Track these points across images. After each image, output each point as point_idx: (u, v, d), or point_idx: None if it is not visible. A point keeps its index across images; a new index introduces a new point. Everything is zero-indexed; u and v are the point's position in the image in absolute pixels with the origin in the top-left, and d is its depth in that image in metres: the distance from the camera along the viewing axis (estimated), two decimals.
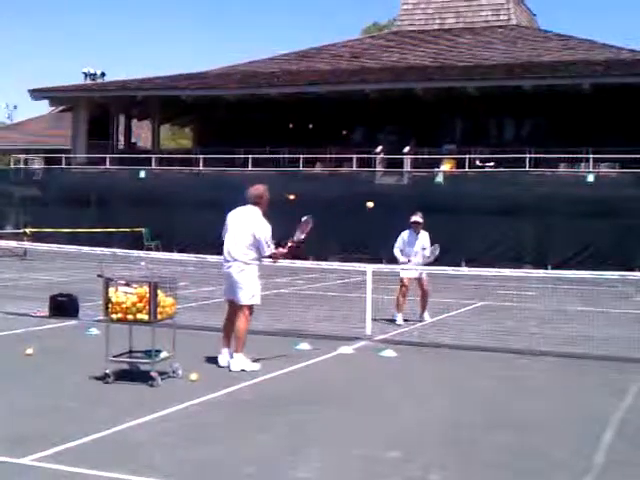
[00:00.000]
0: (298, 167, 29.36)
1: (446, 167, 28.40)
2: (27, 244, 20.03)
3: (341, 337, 10.54)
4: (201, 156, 31.05)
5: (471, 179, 27.23)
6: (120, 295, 7.70)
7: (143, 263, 17.97)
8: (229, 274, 8.58)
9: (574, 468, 5.45)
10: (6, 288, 15.90)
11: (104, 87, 37.41)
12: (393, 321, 12.25)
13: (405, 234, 12.66)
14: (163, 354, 7.82)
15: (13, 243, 20.17)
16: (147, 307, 7.60)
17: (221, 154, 29.95)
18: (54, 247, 15.99)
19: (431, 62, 33.03)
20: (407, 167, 28.96)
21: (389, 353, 9.53)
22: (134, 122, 39.39)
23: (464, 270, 16.75)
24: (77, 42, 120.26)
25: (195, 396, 7.10)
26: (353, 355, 9.59)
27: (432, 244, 12.62)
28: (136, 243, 25.82)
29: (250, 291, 8.50)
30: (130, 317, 7.67)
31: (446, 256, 12.93)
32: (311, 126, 33.31)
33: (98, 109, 35.36)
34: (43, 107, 46.39)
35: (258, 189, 8.78)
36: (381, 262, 17.62)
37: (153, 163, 32.25)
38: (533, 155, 26.92)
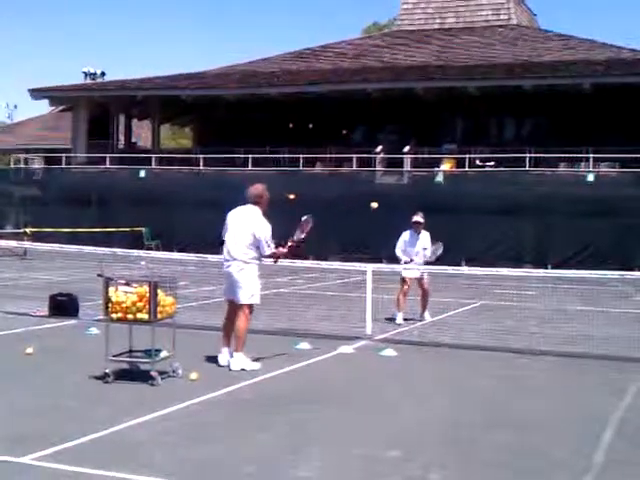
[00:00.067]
0: (298, 167, 29.36)
1: (446, 167, 28.41)
2: (27, 244, 20.03)
3: (341, 336, 10.54)
4: (201, 156, 31.07)
5: (471, 179, 27.25)
6: (120, 294, 7.69)
7: (143, 262, 17.97)
8: (229, 273, 8.58)
9: (574, 467, 5.45)
10: (6, 287, 15.91)
11: (104, 87, 37.43)
12: (393, 320, 12.25)
13: (406, 234, 12.65)
14: (163, 353, 7.82)
15: (13, 243, 20.20)
16: (147, 306, 7.60)
17: (221, 154, 29.95)
18: (54, 247, 15.99)
19: (431, 62, 33.03)
20: (407, 167, 28.97)
21: (389, 352, 9.53)
22: (134, 122, 39.40)
23: (464, 269, 16.75)
24: (77, 42, 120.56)
25: (195, 395, 7.10)
26: (353, 354, 9.59)
27: (433, 243, 12.63)
28: (136, 242, 25.84)
29: (250, 290, 8.50)
30: (130, 316, 7.67)
31: (446, 255, 12.91)
32: (311, 126, 33.31)
33: (98, 109, 35.37)
34: (43, 107, 46.47)
35: (257, 188, 8.78)
36: (381, 262, 17.62)
37: (153, 163, 32.26)
38: (533, 155, 26.94)
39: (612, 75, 27.83)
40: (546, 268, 20.58)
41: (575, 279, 14.44)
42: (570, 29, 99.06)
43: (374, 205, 16.37)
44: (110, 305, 7.72)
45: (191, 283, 15.74)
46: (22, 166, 35.54)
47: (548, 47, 33.69)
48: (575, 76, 28.04)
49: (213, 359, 8.62)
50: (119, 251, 14.47)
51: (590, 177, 25.90)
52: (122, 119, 37.49)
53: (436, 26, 37.45)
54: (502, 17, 36.80)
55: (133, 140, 39.56)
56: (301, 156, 29.35)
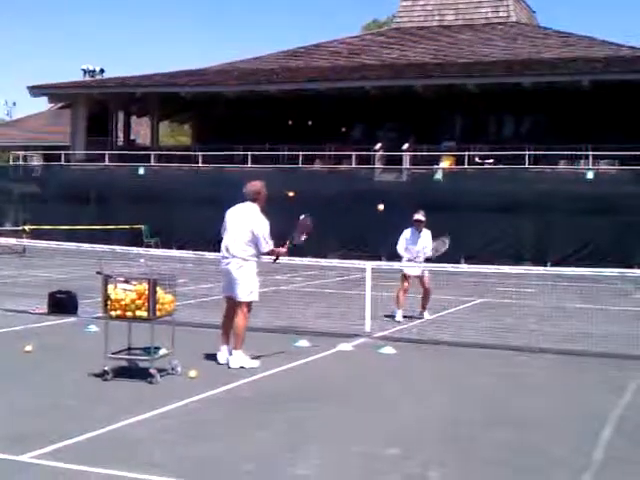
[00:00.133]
0: (297, 164, 29.33)
1: (445, 164, 28.37)
2: (26, 241, 20.01)
3: (340, 334, 10.54)
4: (200, 153, 31.03)
5: (470, 176, 27.22)
6: (119, 292, 7.69)
7: (142, 260, 17.97)
8: (228, 271, 8.57)
9: (573, 465, 5.46)
10: (5, 285, 15.90)
11: (103, 84, 37.36)
12: (392, 317, 12.25)
13: (407, 232, 12.64)
14: (162, 351, 7.82)
15: (12, 240, 20.16)
16: (146, 304, 7.60)
17: (220, 151, 29.90)
18: (53, 244, 15.97)
19: (431, 59, 32.99)
20: (406, 164, 28.93)
21: (388, 350, 9.53)
22: (133, 119, 39.34)
23: (463, 267, 16.74)
24: (76, 41, 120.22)
25: (194, 393, 7.10)
26: (352, 352, 9.59)
27: (439, 237, 12.63)
28: (135, 240, 25.78)
29: (248, 288, 8.49)
30: (129, 314, 7.66)
31: (445, 253, 12.91)
32: (310, 123, 33.25)
33: (97, 106, 35.32)
34: (42, 104, 46.23)
35: (255, 185, 8.78)
36: (380, 259, 17.61)
37: (152, 160, 32.20)
38: (532, 152, 26.89)
39: (611, 72, 27.79)
40: (545, 266, 20.55)
41: (574, 277, 14.44)
42: (569, 26, 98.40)
43: (381, 207, 16.33)
44: (109, 303, 7.71)
45: (190, 280, 15.73)
46: (21, 163, 35.45)
47: (547, 44, 33.64)
48: (574, 73, 28.00)
49: (212, 357, 8.62)
50: (118, 248, 14.46)
51: (589, 174, 25.87)
52: (121, 116, 37.43)
53: (435, 23, 37.39)
54: (501, 14, 36.76)
55: (132, 137, 39.53)
56: (300, 153, 29.30)
